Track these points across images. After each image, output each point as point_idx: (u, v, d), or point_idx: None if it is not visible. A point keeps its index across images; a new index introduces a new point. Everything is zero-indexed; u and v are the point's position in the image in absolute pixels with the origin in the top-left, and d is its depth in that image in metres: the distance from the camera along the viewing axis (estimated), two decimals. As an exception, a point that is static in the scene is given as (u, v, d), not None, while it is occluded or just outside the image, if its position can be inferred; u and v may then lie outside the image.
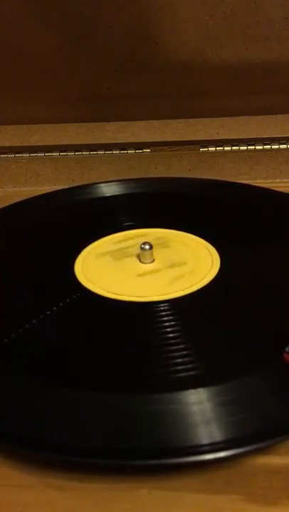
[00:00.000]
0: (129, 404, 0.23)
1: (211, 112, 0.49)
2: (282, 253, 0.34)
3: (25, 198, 0.44)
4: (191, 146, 0.50)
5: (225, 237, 0.36)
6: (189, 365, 0.24)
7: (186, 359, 0.25)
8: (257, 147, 0.50)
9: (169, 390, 0.23)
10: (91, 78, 0.47)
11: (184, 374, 0.24)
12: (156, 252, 0.34)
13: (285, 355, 0.24)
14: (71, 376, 0.24)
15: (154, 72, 0.46)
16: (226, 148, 0.50)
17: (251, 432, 0.21)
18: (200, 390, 0.23)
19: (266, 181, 0.50)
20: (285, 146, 0.50)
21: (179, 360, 0.25)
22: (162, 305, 0.29)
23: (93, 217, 0.41)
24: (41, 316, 0.28)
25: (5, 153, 0.52)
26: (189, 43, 0.45)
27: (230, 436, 0.21)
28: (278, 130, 0.49)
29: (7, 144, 0.51)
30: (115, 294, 0.30)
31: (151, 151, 0.51)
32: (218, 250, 0.34)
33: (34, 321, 0.28)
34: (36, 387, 0.24)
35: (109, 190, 0.45)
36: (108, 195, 0.45)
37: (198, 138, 0.50)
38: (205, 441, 0.21)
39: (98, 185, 0.46)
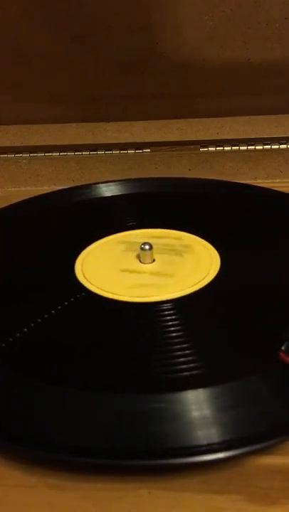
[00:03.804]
0: (129, 405, 0.23)
1: (211, 112, 0.49)
2: (282, 253, 0.34)
3: (25, 198, 0.44)
4: (191, 146, 0.50)
5: (225, 237, 0.36)
6: (189, 366, 0.24)
7: (186, 359, 0.25)
8: (257, 147, 0.50)
9: (169, 390, 0.23)
10: (91, 78, 0.47)
11: (183, 374, 0.24)
12: (156, 252, 0.34)
13: (281, 354, 0.24)
14: (71, 377, 0.24)
15: (154, 72, 0.46)
16: (226, 148, 0.50)
17: (251, 433, 0.21)
18: (199, 390, 0.23)
19: (266, 181, 0.50)
20: (285, 146, 0.50)
21: (179, 360, 0.25)
22: (161, 305, 0.29)
23: (93, 217, 0.41)
24: (39, 320, 0.28)
25: (5, 153, 0.52)
26: (189, 43, 0.45)
27: (230, 436, 0.21)
28: (278, 130, 0.49)
29: (7, 144, 0.51)
30: (115, 294, 0.30)
31: (151, 151, 0.51)
32: (218, 250, 0.34)
33: (33, 325, 0.28)
34: (36, 388, 0.24)
35: (109, 190, 0.45)
36: (108, 195, 0.45)
37: (198, 138, 0.50)
38: (205, 441, 0.21)
39: (98, 185, 0.46)
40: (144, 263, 0.34)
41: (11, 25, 0.45)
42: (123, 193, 0.45)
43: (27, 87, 0.48)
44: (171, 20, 0.44)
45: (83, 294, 0.30)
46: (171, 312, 0.28)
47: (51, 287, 0.32)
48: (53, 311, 0.29)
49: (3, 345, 0.26)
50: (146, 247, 0.33)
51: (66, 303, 0.29)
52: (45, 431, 0.22)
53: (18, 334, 0.27)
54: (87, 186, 0.46)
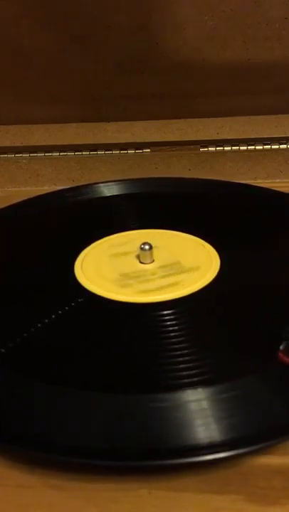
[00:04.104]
0: (129, 405, 0.23)
1: (211, 112, 0.49)
2: (282, 253, 0.34)
3: (25, 198, 0.44)
4: (191, 146, 0.50)
5: (225, 237, 0.36)
6: (189, 366, 0.24)
7: (186, 359, 0.25)
8: (257, 147, 0.50)
9: (169, 390, 0.23)
10: (91, 78, 0.47)
11: (183, 374, 0.24)
12: (155, 252, 0.34)
13: (280, 354, 0.24)
14: (71, 377, 0.24)
15: (154, 72, 0.46)
16: (226, 148, 0.50)
17: (251, 433, 0.21)
18: (199, 390, 0.23)
19: (266, 181, 0.50)
20: (285, 146, 0.50)
21: (179, 360, 0.25)
22: (162, 306, 0.29)
23: (93, 218, 0.41)
24: (41, 321, 0.28)
25: (5, 153, 0.52)
26: (189, 43, 0.45)
27: (230, 436, 0.21)
28: (278, 130, 0.49)
29: (7, 144, 0.51)
30: (115, 294, 0.30)
31: (151, 151, 0.51)
32: (218, 250, 0.34)
33: (34, 326, 0.28)
34: (36, 388, 0.24)
35: (109, 190, 0.45)
36: (108, 195, 0.45)
37: (198, 138, 0.50)
38: (204, 441, 0.21)
39: (98, 185, 0.46)
40: (144, 263, 0.34)
41: (11, 25, 0.45)
42: (123, 193, 0.45)
43: (27, 87, 0.48)
44: (171, 20, 0.44)
45: (85, 296, 0.30)
46: (171, 312, 0.28)
47: (51, 288, 0.32)
48: (54, 313, 0.29)
49: (3, 350, 0.26)
50: (146, 247, 0.33)
51: (67, 305, 0.29)
52: (45, 431, 0.22)
53: (18, 339, 0.27)
54: (87, 186, 0.46)
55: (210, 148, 0.50)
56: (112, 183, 0.46)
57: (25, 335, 0.27)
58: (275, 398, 0.23)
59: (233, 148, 0.50)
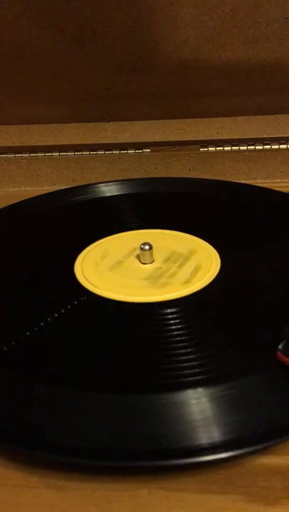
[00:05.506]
0: (129, 405, 0.23)
1: (211, 112, 0.49)
2: (282, 253, 0.34)
3: (25, 198, 0.44)
4: (191, 146, 0.50)
5: (225, 237, 0.36)
6: (189, 366, 0.24)
7: (186, 359, 0.25)
8: (257, 147, 0.50)
9: (169, 390, 0.23)
10: (91, 78, 0.47)
11: (183, 374, 0.24)
12: (156, 252, 0.34)
13: (278, 353, 0.24)
14: (71, 377, 0.24)
15: (154, 72, 0.46)
16: (225, 148, 0.50)
17: (251, 433, 0.21)
18: (199, 390, 0.23)
19: (266, 181, 0.50)
20: (285, 146, 0.50)
21: (179, 360, 0.25)
22: (162, 305, 0.29)
23: (93, 218, 0.41)
24: (41, 322, 0.28)
25: (5, 153, 0.52)
26: (189, 43, 0.45)
27: (230, 436, 0.21)
28: (278, 130, 0.49)
29: (7, 144, 0.51)
30: (115, 294, 0.30)
31: (151, 151, 0.51)
32: (218, 250, 0.34)
33: (34, 327, 0.28)
34: (36, 388, 0.24)
35: (109, 190, 0.45)
36: (108, 195, 0.45)
37: (198, 138, 0.50)
38: (205, 441, 0.21)
39: (98, 185, 0.46)
40: (144, 263, 0.34)
41: (11, 25, 0.45)
42: (123, 193, 0.45)
43: (27, 87, 0.48)
44: (171, 20, 0.44)
45: (85, 296, 0.30)
46: (172, 312, 0.28)
47: (51, 288, 0.32)
48: (54, 313, 0.29)
49: (5, 348, 0.26)
50: (146, 247, 0.33)
51: (66, 305, 0.29)
52: (45, 431, 0.22)
53: (20, 338, 0.27)
54: (87, 186, 0.46)
55: (210, 148, 0.50)
56: (112, 183, 0.46)
57: (27, 333, 0.27)
58: (275, 398, 0.23)
59: (233, 148, 0.50)
